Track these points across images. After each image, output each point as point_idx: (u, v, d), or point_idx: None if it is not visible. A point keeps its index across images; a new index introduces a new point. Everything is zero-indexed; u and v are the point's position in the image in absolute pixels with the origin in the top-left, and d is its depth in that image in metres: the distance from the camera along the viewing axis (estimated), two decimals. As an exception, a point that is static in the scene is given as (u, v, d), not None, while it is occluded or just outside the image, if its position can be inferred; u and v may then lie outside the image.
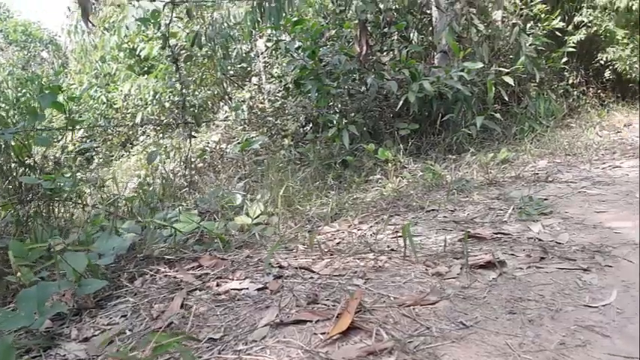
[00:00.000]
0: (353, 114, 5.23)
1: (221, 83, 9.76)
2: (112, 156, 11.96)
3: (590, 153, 4.16)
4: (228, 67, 8.93)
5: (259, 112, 8.97)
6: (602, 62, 6.52)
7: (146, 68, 10.94)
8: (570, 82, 6.74)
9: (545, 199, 2.73)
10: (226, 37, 8.23)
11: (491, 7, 5.17)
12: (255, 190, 4.18)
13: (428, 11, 5.94)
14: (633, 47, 6.36)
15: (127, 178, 8.97)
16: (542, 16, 5.86)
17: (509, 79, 4.76)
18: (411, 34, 5.53)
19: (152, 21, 9.47)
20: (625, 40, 6.31)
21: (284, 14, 6.03)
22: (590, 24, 6.30)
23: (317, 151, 5.55)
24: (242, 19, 8.13)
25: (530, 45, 5.57)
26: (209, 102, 9.60)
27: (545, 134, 5.03)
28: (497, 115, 4.77)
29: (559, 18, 6.03)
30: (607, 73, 6.61)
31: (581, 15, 6.35)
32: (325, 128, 5.39)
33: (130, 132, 12.06)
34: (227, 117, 8.94)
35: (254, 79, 8.69)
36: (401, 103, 4.66)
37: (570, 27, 6.38)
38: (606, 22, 6.15)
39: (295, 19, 5.37)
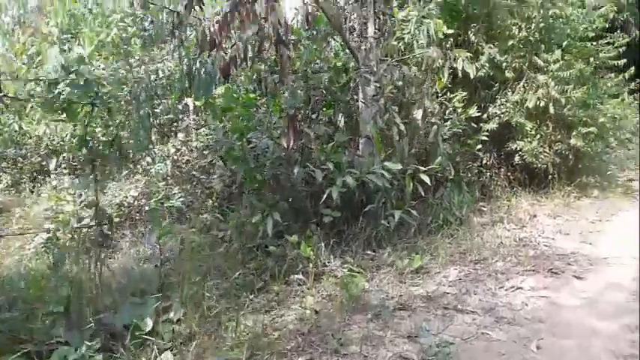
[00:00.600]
0: (278, 197, 5.26)
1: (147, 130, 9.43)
2: (20, 184, 11.15)
3: (496, 261, 4.43)
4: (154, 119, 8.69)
5: (184, 166, 8.76)
6: (513, 147, 7.02)
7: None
8: (484, 162, 7.18)
9: (452, 344, 2.85)
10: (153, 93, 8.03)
11: (415, 104, 5.43)
12: (169, 287, 4.05)
13: (355, 96, 6.14)
14: (539, 138, 6.90)
15: (35, 229, 8.38)
16: (459, 104, 6.26)
17: (426, 178, 4.99)
18: (338, 119, 5.68)
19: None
20: (533, 132, 6.84)
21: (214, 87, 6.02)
22: (502, 115, 6.77)
23: (239, 225, 5.50)
24: (170, 77, 7.99)
25: (448, 130, 5.91)
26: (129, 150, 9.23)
27: (459, 228, 5.30)
28: (414, 212, 4.98)
29: (475, 107, 6.46)
30: (517, 158, 7.11)
31: (495, 107, 6.82)
32: (250, 208, 5.36)
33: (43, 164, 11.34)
34: (149, 169, 8.64)
35: (180, 135, 8.51)
36: (325, 195, 4.74)
37: (485, 115, 6.83)
38: (517, 117, 6.64)
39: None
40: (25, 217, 8.91)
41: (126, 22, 8.35)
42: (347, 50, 5.82)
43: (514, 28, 6.76)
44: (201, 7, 4.28)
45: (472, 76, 5.49)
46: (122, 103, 8.93)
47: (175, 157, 8.78)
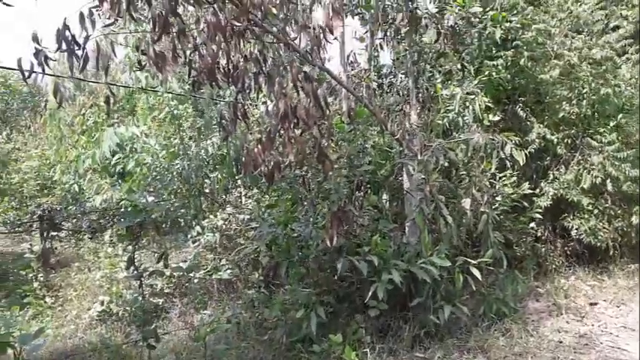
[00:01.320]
0: (322, 288, 5.22)
1: (197, 197, 9.66)
2: (80, 243, 11.58)
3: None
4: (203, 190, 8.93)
5: (232, 234, 8.88)
6: (568, 225, 6.70)
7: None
8: (538, 235, 6.88)
9: None
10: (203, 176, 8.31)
11: (462, 195, 5.31)
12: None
13: (400, 178, 6.08)
14: (597, 214, 6.56)
15: (91, 297, 8.65)
16: (509, 184, 6.07)
17: (476, 272, 4.82)
18: (383, 205, 5.63)
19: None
20: (590, 208, 6.51)
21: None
22: (556, 191, 6.51)
23: (284, 310, 5.45)
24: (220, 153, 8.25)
25: (497, 207, 5.71)
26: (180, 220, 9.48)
27: (514, 323, 5.04)
28: (465, 308, 4.79)
29: (527, 184, 6.24)
30: (574, 232, 6.77)
31: (547, 183, 6.58)
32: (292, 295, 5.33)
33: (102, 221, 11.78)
34: (198, 239, 8.80)
35: (229, 208, 8.68)
36: (370, 293, 4.65)
37: (538, 190, 6.58)
38: (572, 194, 6.37)
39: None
40: (82, 283, 9.23)
41: (177, 101, 8.74)
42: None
43: (564, 103, 6.56)
44: (245, 118, 4.38)
45: (521, 163, 5.32)
46: (174, 174, 9.28)
47: (224, 227, 8.93)
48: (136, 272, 4.36)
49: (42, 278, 9.52)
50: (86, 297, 8.69)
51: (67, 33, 3.24)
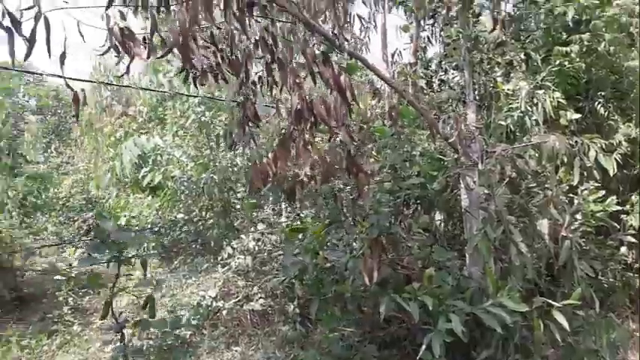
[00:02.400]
0: (366, 331, 4.26)
1: (227, 215, 8.88)
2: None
3: None
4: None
5: (265, 257, 8.04)
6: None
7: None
8: (629, 262, 5.63)
9: None
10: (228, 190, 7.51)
11: (536, 214, 4.20)
12: None
13: (457, 192, 5.05)
14: None
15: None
16: (593, 199, 4.90)
17: (561, 318, 3.71)
18: (436, 228, 4.60)
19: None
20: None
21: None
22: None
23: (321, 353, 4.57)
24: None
25: (576, 227, 4.55)
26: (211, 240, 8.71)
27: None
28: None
29: (614, 199, 5.05)
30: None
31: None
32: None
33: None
34: (228, 262, 7.99)
35: (260, 225, 7.82)
36: (425, 345, 3.64)
37: (627, 206, 5.37)
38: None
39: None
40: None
41: (203, 108, 7.97)
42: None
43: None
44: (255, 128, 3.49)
45: (612, 173, 4.18)
46: (201, 188, 8.54)
47: (257, 248, 8.11)
48: (116, 323, 3.46)
49: (72, 302, 9.03)
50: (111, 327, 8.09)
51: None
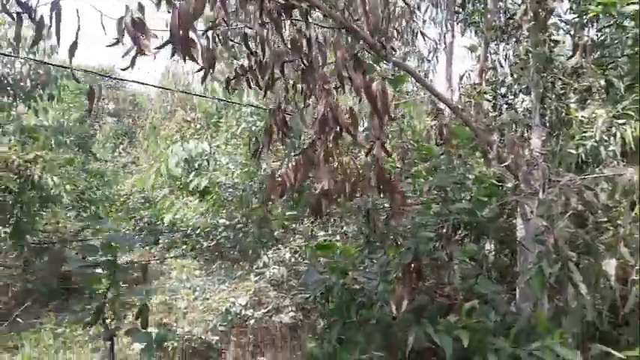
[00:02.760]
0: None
1: (266, 224, 8.66)
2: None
3: None
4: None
5: (300, 270, 7.77)
6: None
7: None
8: None
9: None
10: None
11: (603, 252, 3.63)
12: None
13: (512, 221, 4.55)
14: None
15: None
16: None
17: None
18: (485, 249, 4.11)
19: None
20: None
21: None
22: None
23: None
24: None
25: None
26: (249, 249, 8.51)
27: None
28: None
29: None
30: None
31: None
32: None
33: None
34: (263, 272, 7.75)
35: (299, 239, 7.56)
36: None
37: None
38: None
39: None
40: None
41: (255, 118, 7.92)
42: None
43: None
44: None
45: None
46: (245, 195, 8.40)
47: (293, 260, 7.85)
48: (105, 331, 3.20)
49: (111, 295, 9.08)
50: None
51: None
